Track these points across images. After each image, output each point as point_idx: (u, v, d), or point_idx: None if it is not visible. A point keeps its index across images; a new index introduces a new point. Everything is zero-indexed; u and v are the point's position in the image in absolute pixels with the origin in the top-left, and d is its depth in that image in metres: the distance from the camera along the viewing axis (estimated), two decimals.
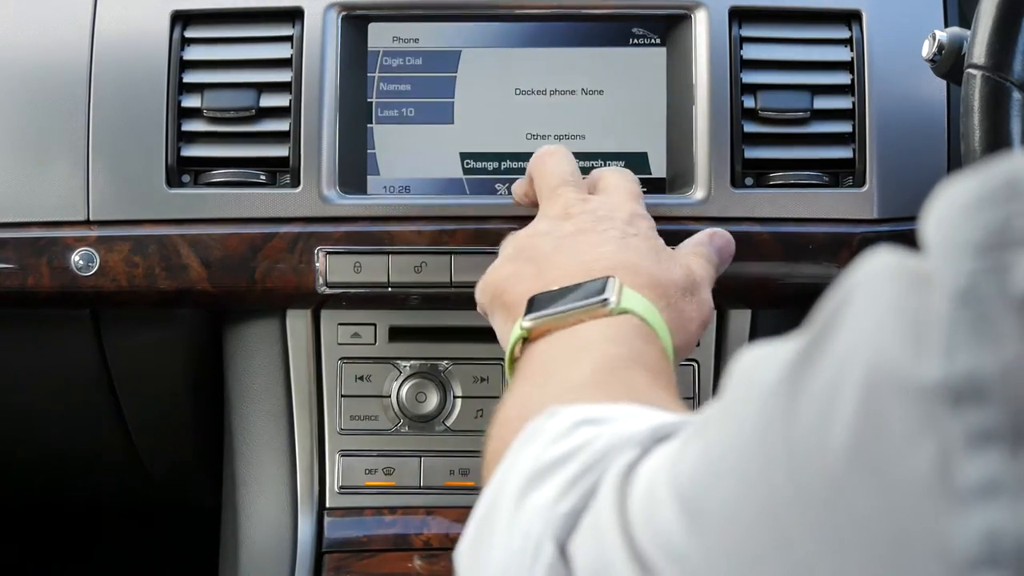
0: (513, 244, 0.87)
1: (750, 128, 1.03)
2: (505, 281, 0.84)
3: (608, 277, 0.77)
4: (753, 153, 1.03)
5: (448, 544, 1.06)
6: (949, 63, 0.92)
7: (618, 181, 0.91)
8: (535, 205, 0.92)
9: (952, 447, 0.36)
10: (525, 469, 0.58)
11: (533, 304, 0.78)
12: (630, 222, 0.86)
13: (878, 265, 0.40)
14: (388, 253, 1.02)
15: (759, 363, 0.44)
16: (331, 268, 1.02)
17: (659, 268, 0.82)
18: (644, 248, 0.83)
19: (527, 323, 0.77)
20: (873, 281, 0.40)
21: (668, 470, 0.48)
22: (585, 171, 1.04)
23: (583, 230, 0.84)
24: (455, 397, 1.08)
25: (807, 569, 0.40)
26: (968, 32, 0.88)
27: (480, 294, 0.88)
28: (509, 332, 0.82)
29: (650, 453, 0.52)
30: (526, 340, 0.78)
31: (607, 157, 1.05)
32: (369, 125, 1.05)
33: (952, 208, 0.38)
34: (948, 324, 0.36)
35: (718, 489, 0.44)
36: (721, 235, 0.91)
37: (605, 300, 0.75)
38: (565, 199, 0.88)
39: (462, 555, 0.62)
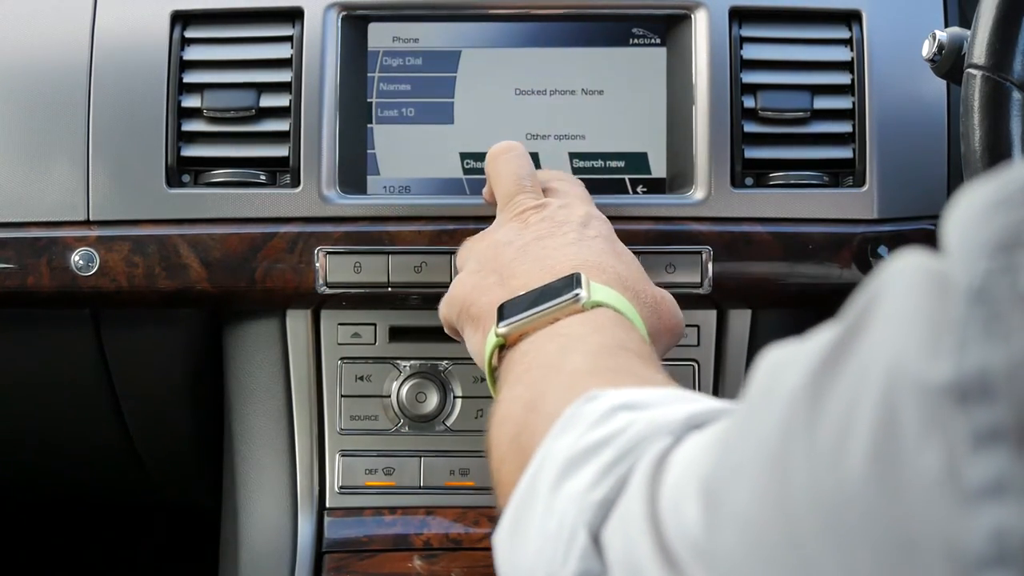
0: (475, 257, 0.87)
1: (750, 128, 1.03)
2: (470, 294, 0.85)
3: (574, 274, 0.78)
4: (753, 153, 1.03)
5: (448, 544, 1.06)
6: (949, 63, 0.92)
7: (566, 186, 0.92)
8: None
9: (960, 446, 0.36)
10: (562, 455, 0.59)
11: (503, 311, 0.78)
12: (586, 224, 0.86)
13: (904, 268, 0.41)
14: (388, 253, 1.02)
15: (784, 364, 0.45)
16: (331, 268, 1.02)
17: (621, 265, 0.83)
18: (604, 248, 0.84)
19: (502, 329, 0.77)
20: (898, 285, 0.40)
21: (694, 465, 0.49)
22: (585, 171, 1.04)
23: (542, 236, 0.85)
24: (455, 397, 1.08)
25: (817, 568, 0.40)
26: (968, 32, 0.88)
27: (446, 309, 0.88)
28: (480, 343, 0.82)
29: (683, 442, 0.53)
30: (502, 348, 0.78)
31: (607, 157, 1.05)
32: (369, 125, 1.05)
33: (969, 211, 0.39)
34: (961, 322, 0.37)
35: (738, 487, 0.45)
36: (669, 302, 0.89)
37: (576, 295, 0.76)
38: (521, 206, 0.88)
39: (500, 540, 0.63)
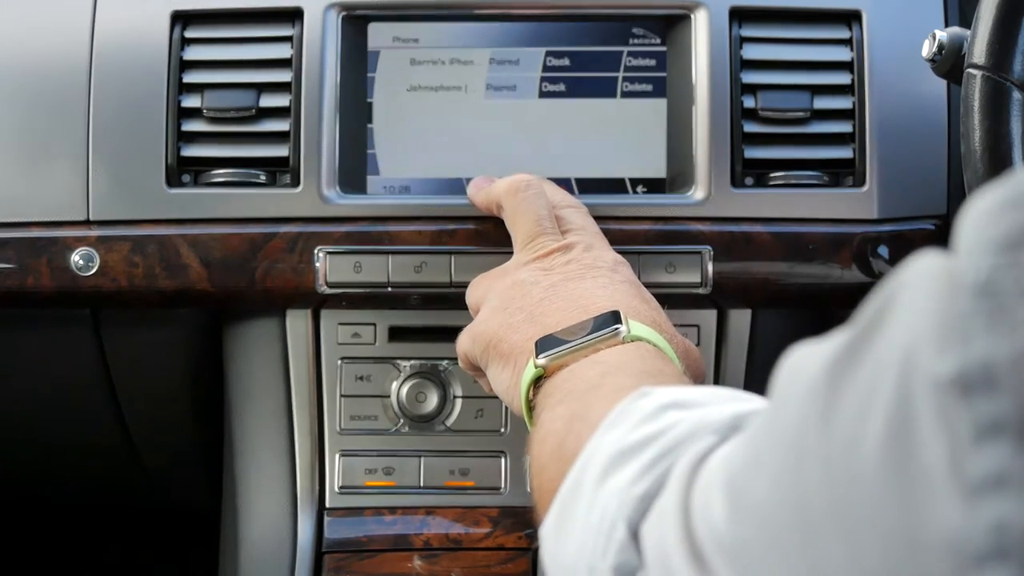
0: (497, 296, 0.88)
1: (750, 128, 1.03)
2: (497, 331, 0.85)
3: (614, 311, 0.79)
4: (753, 153, 1.03)
5: (448, 544, 1.06)
6: (949, 63, 0.92)
7: (583, 221, 0.93)
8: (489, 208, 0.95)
9: (963, 439, 0.37)
10: (609, 450, 0.60)
11: (542, 345, 0.79)
12: (615, 269, 0.88)
13: (919, 268, 0.41)
14: (388, 253, 1.02)
15: (804, 360, 0.46)
16: (331, 268, 1.02)
17: (653, 311, 0.85)
18: (634, 292, 0.86)
19: (541, 360, 0.78)
20: (913, 284, 0.41)
21: (724, 461, 0.50)
22: (585, 170, 1.04)
23: (571, 278, 0.86)
24: (455, 397, 1.08)
25: (827, 560, 0.41)
26: (968, 32, 0.88)
27: (469, 344, 0.89)
28: (508, 379, 0.84)
29: (727, 441, 0.54)
30: (538, 380, 0.79)
31: (607, 158, 1.05)
32: (369, 125, 1.05)
33: (979, 211, 0.40)
34: (967, 316, 0.38)
35: (758, 480, 0.46)
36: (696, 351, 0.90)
37: (616, 330, 0.77)
38: (545, 248, 0.89)
39: (547, 532, 0.64)
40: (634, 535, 0.55)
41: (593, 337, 0.77)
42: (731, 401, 0.61)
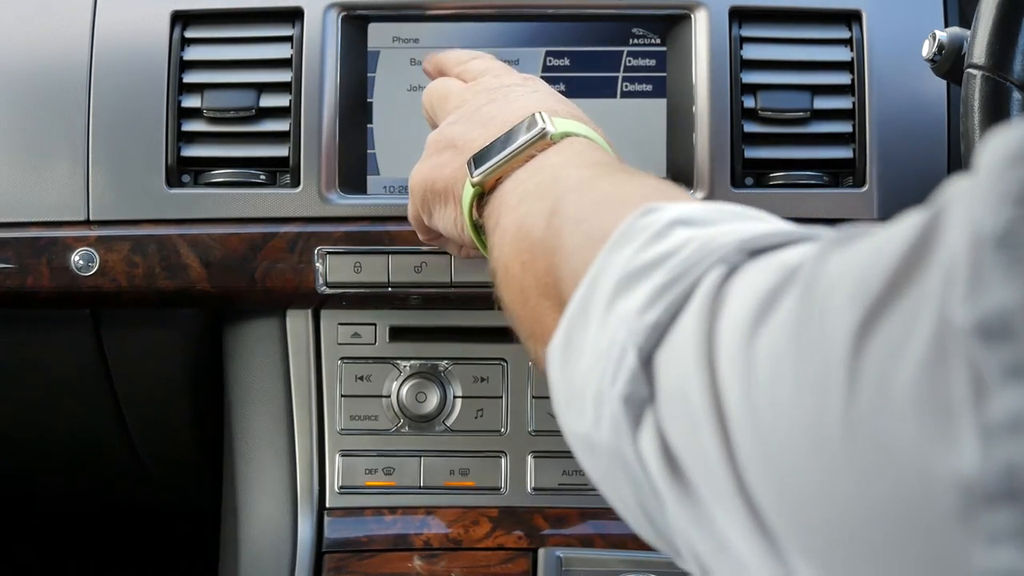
0: (427, 145, 0.87)
1: (750, 128, 1.03)
2: (428, 175, 0.84)
3: (533, 114, 0.77)
4: (753, 153, 1.03)
5: (448, 544, 1.06)
6: (949, 63, 0.92)
7: (486, 64, 0.91)
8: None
9: (985, 382, 0.37)
10: (618, 270, 0.58)
11: (473, 164, 0.77)
12: (525, 84, 0.86)
13: (960, 201, 0.41)
14: (388, 253, 1.02)
15: (846, 281, 0.44)
16: (331, 268, 1.02)
17: (569, 107, 0.83)
18: (550, 97, 0.84)
19: (477, 177, 0.76)
20: (954, 222, 0.41)
21: (746, 339, 0.48)
22: None
23: (484, 103, 0.84)
24: (455, 397, 1.08)
25: (837, 482, 0.42)
26: (968, 32, 0.88)
27: (411, 199, 0.87)
28: (452, 214, 0.82)
29: (738, 271, 0.52)
30: (481, 198, 0.78)
31: None
32: (369, 125, 1.05)
33: (996, 158, 0.40)
34: (987, 266, 0.38)
35: (778, 397, 0.45)
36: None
37: (543, 130, 0.75)
38: (454, 94, 0.88)
39: (554, 350, 0.62)
40: (644, 364, 0.53)
41: (523, 142, 0.75)
42: (738, 219, 0.59)
